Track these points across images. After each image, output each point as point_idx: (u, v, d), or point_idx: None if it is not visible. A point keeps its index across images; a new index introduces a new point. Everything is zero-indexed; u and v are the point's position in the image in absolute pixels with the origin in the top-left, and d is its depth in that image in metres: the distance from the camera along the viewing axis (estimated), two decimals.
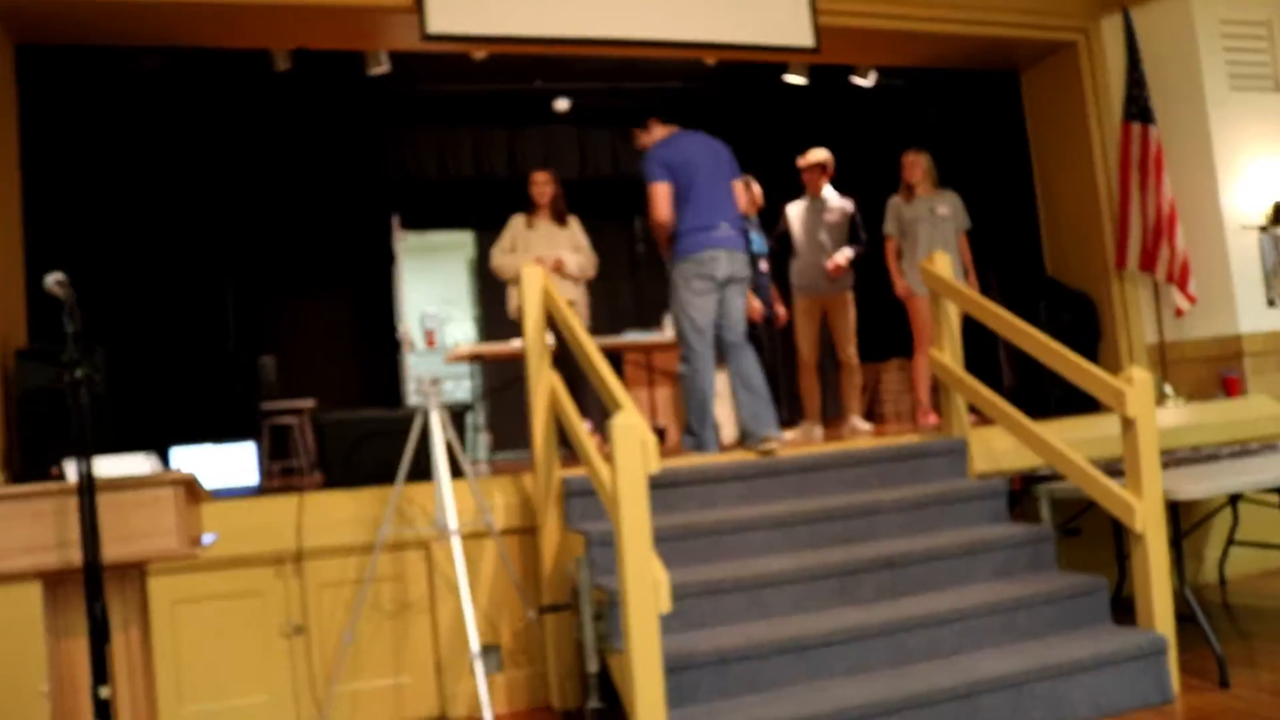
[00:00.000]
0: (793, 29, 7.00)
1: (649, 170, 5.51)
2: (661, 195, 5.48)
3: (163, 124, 7.41)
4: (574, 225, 6.92)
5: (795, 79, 8.28)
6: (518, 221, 6.89)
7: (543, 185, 6.90)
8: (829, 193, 7.28)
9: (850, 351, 7.23)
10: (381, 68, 7.35)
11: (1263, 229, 7.35)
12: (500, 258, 6.83)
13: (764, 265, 7.21)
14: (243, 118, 8.51)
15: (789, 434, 6.95)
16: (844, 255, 7.05)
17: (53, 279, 2.89)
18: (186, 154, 7.58)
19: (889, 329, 8.76)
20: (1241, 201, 7.34)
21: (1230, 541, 6.08)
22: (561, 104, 9.61)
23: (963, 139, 8.93)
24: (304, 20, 6.45)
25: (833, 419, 9.87)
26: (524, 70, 9.03)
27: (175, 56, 7.14)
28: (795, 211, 7.38)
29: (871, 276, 8.95)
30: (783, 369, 8.95)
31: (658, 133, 5.71)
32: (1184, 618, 4.44)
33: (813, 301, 7.24)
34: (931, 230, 6.85)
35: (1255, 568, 6.34)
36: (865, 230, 7.20)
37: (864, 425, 6.97)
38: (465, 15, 6.39)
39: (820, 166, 7.26)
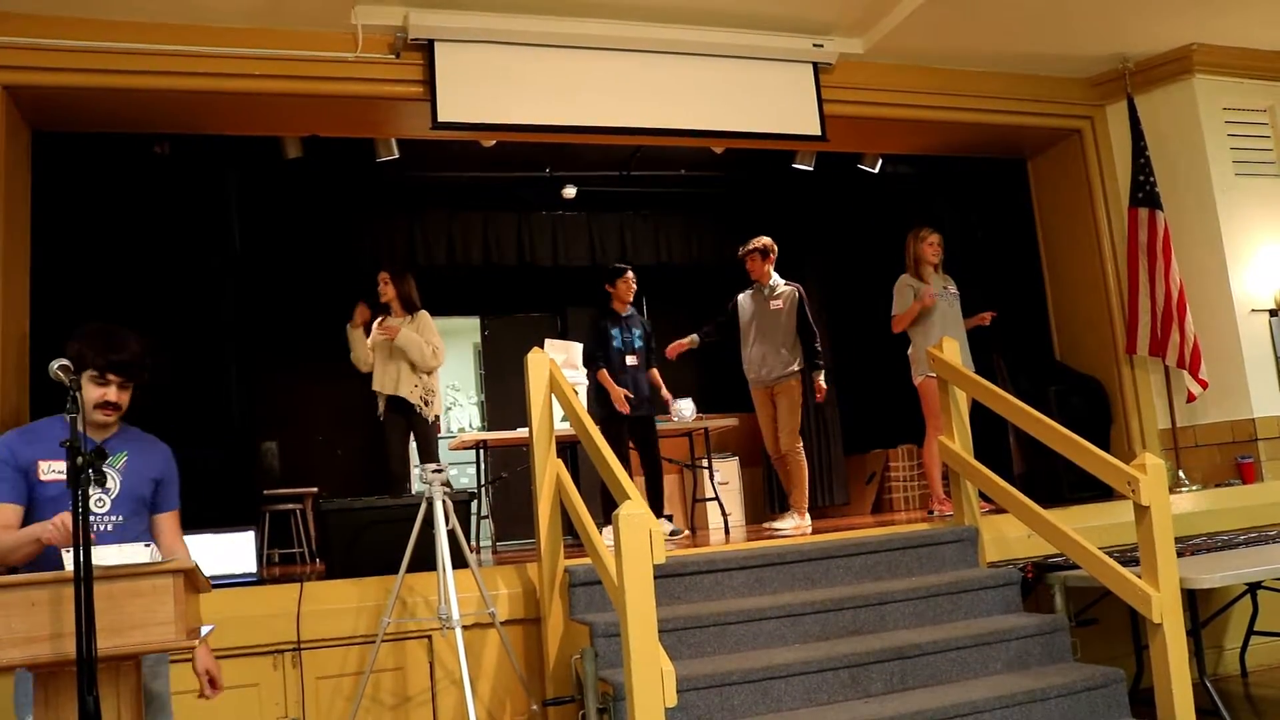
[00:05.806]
0: (800, 118, 7.05)
1: None
2: None
3: (170, 208, 7.46)
4: (420, 319, 6.83)
5: (803, 166, 8.34)
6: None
7: (382, 286, 6.90)
8: (776, 279, 7.17)
9: (791, 444, 6.91)
10: (391, 155, 7.44)
11: (1272, 312, 7.34)
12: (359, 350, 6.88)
13: (631, 360, 7.05)
14: (251, 202, 8.57)
15: (780, 524, 6.86)
16: (820, 382, 6.93)
17: (57, 365, 2.88)
18: (193, 237, 7.60)
19: (896, 414, 8.70)
20: (1251, 285, 7.34)
21: (1250, 631, 5.96)
22: (569, 191, 9.69)
23: (971, 225, 8.96)
24: (316, 109, 6.56)
25: (836, 506, 9.79)
26: (533, 158, 9.12)
27: (186, 142, 7.23)
28: (744, 300, 7.30)
29: (877, 360, 8.92)
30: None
31: None
32: (1205, 711, 4.33)
33: (763, 391, 7.11)
34: (947, 309, 6.83)
35: (1278, 659, 6.20)
36: (814, 315, 7.11)
37: (782, 526, 6.65)
38: (475, 104, 6.46)
39: (758, 252, 7.13)
